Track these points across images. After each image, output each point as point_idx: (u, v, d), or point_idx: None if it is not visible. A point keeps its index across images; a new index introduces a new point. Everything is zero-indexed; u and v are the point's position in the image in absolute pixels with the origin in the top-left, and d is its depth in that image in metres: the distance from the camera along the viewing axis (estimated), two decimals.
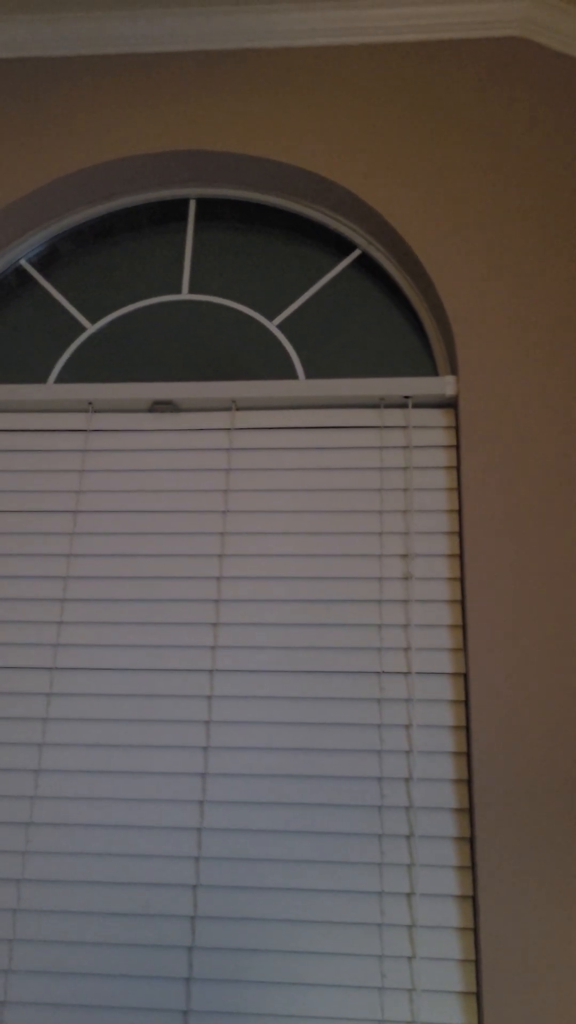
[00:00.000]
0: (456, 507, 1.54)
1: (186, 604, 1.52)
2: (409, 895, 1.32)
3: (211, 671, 1.48)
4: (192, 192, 1.89)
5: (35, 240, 1.87)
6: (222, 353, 1.75)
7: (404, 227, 1.69)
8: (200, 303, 1.80)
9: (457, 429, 1.59)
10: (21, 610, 1.54)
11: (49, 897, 1.36)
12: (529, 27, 1.81)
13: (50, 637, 1.52)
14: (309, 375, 1.71)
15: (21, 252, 1.87)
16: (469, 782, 1.37)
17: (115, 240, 1.89)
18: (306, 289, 1.79)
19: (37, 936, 1.34)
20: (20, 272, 1.87)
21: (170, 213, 1.90)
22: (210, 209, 1.89)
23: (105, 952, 1.33)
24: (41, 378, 1.76)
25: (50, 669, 1.50)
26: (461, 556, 1.50)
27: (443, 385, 1.60)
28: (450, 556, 1.51)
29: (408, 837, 1.35)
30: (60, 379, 1.75)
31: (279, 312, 1.78)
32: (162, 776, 1.42)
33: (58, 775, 1.43)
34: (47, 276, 1.86)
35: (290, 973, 1.30)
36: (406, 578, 1.51)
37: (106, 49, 1.91)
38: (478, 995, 1.26)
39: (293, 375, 1.72)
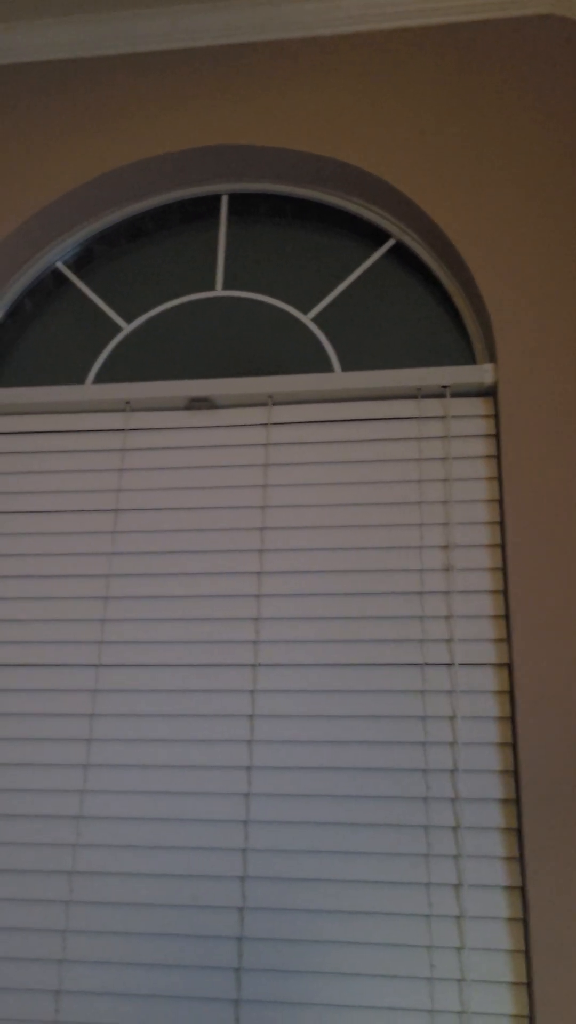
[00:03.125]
0: (497, 496, 1.53)
1: (227, 599, 1.53)
2: (457, 886, 1.32)
3: (254, 665, 1.49)
4: (224, 188, 1.89)
5: (70, 242, 1.89)
6: (257, 348, 1.75)
7: (439, 214, 1.67)
8: (234, 299, 1.80)
9: (496, 417, 1.57)
10: (66, 609, 1.56)
11: (100, 889, 1.39)
12: (562, 4, 1.77)
13: (94, 635, 1.54)
14: (345, 368, 1.71)
15: (57, 255, 1.89)
16: (515, 773, 1.36)
17: (148, 239, 1.90)
18: (340, 281, 1.79)
19: (89, 927, 1.37)
20: (56, 274, 1.89)
21: (202, 210, 1.90)
22: (242, 204, 1.89)
23: (156, 942, 1.35)
24: (79, 379, 1.78)
25: (95, 666, 1.52)
26: (503, 546, 1.49)
27: (481, 373, 1.58)
28: (491, 546, 1.50)
29: (455, 828, 1.35)
30: (98, 379, 1.77)
31: (313, 305, 1.77)
32: (208, 770, 1.43)
33: (106, 770, 1.45)
34: (82, 277, 1.88)
35: (338, 962, 1.31)
36: (447, 569, 1.50)
37: (132, 48, 1.91)
38: (529, 985, 1.25)
39: (329, 368, 1.71)
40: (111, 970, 1.35)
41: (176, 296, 1.83)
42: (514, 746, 1.37)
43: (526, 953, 1.27)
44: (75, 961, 1.36)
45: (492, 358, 1.61)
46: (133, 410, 1.70)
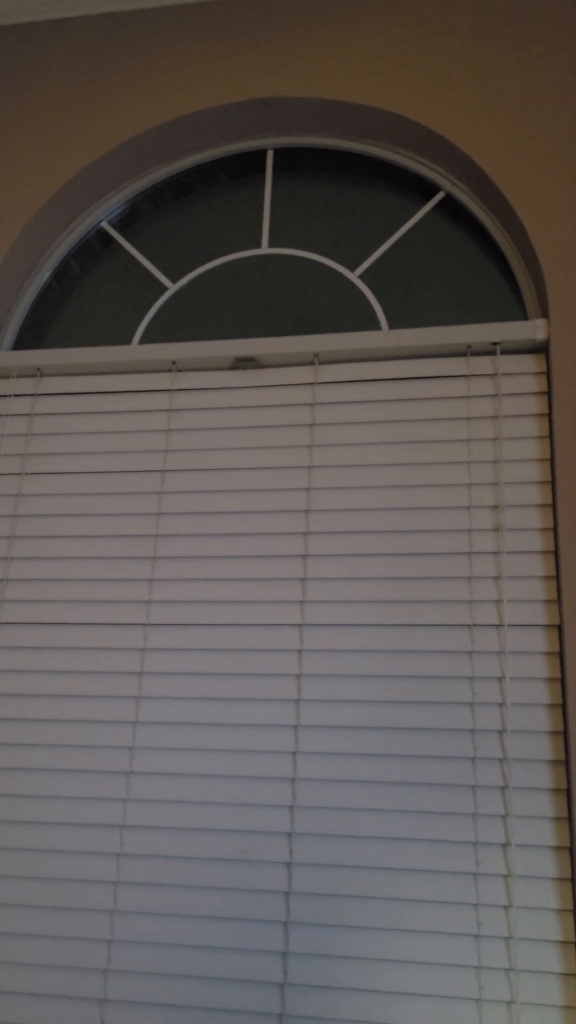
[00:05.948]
0: (548, 456, 1.49)
1: (275, 560, 1.53)
2: (504, 845, 1.32)
3: (301, 626, 1.49)
4: (269, 142, 1.86)
5: (115, 201, 1.88)
6: (303, 306, 1.73)
7: (490, 165, 1.62)
8: (280, 257, 1.78)
9: (548, 375, 1.54)
10: (115, 568, 1.58)
11: (150, 843, 1.41)
12: None
13: (143, 594, 1.55)
14: (393, 325, 1.68)
15: (102, 214, 1.88)
16: (565, 734, 1.35)
17: (193, 197, 1.88)
18: (388, 237, 1.75)
19: (140, 880, 1.40)
20: (101, 234, 1.88)
21: (247, 165, 1.87)
22: (288, 159, 1.86)
23: (205, 896, 1.38)
24: (125, 339, 1.78)
25: (144, 625, 1.54)
26: (554, 506, 1.46)
27: (533, 329, 1.54)
28: (542, 506, 1.47)
29: (503, 788, 1.34)
30: (144, 340, 1.77)
31: (360, 262, 1.74)
32: (255, 728, 1.45)
33: (155, 727, 1.48)
34: (128, 237, 1.87)
35: (385, 919, 1.32)
36: (496, 529, 1.48)
37: (174, 0, 1.88)
38: None
39: (376, 326, 1.68)
40: (160, 921, 1.37)
41: (222, 254, 1.81)
42: (563, 707, 1.36)
43: (574, 913, 1.27)
44: (125, 911, 1.39)
45: (544, 314, 1.57)
46: (179, 370, 1.69)
